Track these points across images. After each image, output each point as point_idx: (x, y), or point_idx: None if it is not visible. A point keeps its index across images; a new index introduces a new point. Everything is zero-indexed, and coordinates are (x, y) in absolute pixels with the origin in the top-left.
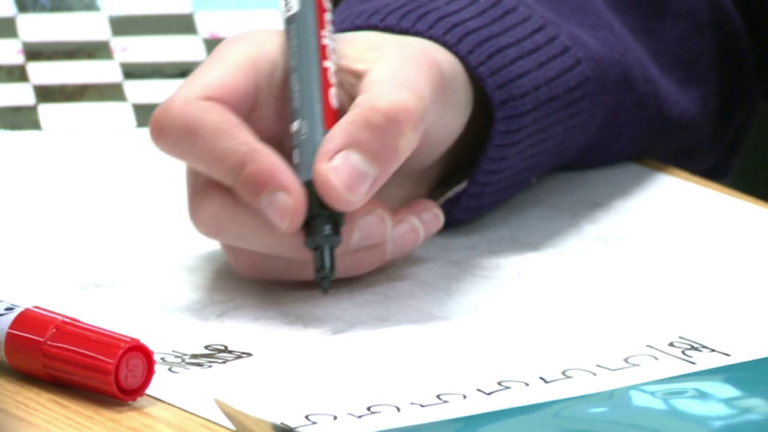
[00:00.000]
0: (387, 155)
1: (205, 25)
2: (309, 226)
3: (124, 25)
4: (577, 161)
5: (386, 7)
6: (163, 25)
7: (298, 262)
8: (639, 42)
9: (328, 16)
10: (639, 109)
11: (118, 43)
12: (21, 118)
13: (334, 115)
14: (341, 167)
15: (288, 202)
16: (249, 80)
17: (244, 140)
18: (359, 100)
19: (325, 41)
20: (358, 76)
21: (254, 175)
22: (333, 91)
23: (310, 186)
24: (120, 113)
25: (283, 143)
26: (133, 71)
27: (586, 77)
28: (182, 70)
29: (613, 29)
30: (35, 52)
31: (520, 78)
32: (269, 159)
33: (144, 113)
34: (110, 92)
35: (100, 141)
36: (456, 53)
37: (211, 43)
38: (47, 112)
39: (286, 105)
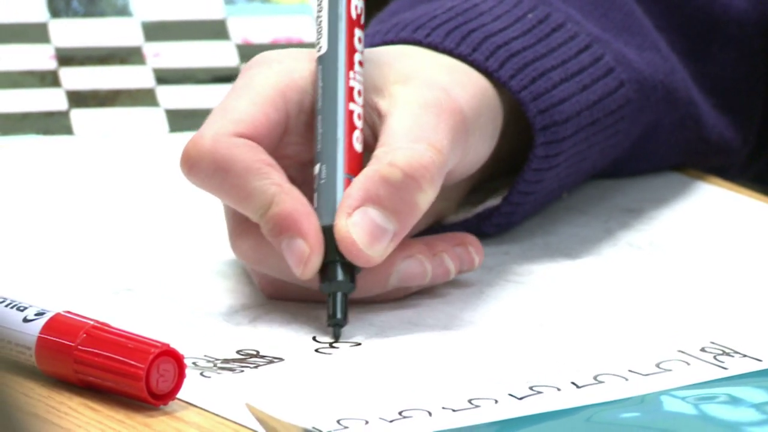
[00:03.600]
0: (406, 211)
1: (238, 31)
2: (324, 272)
3: (156, 31)
4: (609, 172)
5: (432, 20)
6: (196, 31)
7: (318, 290)
8: (683, 63)
9: (358, 57)
10: (678, 130)
11: (150, 49)
12: (53, 124)
13: (357, 159)
14: (361, 223)
15: (304, 250)
16: (279, 111)
17: (273, 180)
18: (377, 153)
19: (353, 83)
20: (380, 114)
21: (277, 218)
22: (357, 135)
23: (328, 231)
24: (152, 119)
25: (311, 166)
26: (165, 77)
27: (628, 100)
28: (214, 76)
29: (659, 50)
30: (68, 58)
31: (562, 103)
32: (294, 202)
33: (176, 119)
34: (143, 98)
35: (133, 146)
36: (497, 79)
37: (244, 49)
38: (80, 117)
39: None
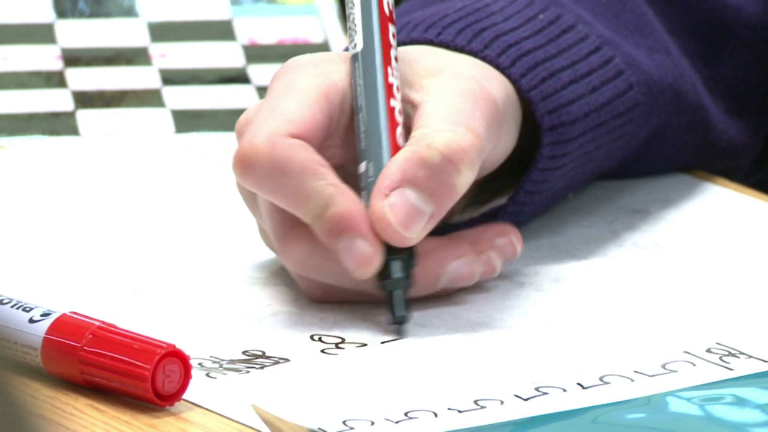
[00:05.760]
0: (443, 193)
1: (244, 32)
2: (381, 270)
3: (162, 31)
4: (615, 173)
5: (443, 19)
6: (202, 32)
7: (370, 291)
8: (694, 67)
9: (394, 53)
10: (686, 133)
11: (156, 49)
12: (60, 124)
13: None
14: (397, 204)
15: (366, 250)
16: (324, 113)
17: (330, 181)
18: (415, 134)
19: (392, 79)
20: (414, 105)
21: (336, 219)
22: (400, 130)
23: None
24: (158, 119)
25: (347, 169)
26: (171, 77)
27: (636, 102)
28: (221, 77)
29: (670, 53)
30: (74, 58)
31: (570, 104)
32: (352, 203)
33: (183, 119)
34: (149, 98)
35: (139, 147)
36: (509, 76)
37: (250, 50)
38: (86, 117)
39: (353, 133)
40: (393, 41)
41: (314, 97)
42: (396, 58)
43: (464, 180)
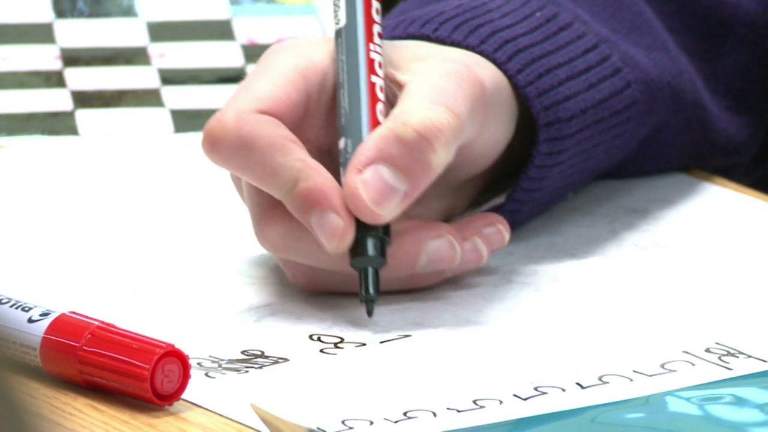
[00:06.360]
0: (418, 171)
1: (243, 31)
2: (354, 247)
3: (161, 31)
4: (615, 172)
5: (440, 15)
6: (201, 31)
7: (354, 277)
8: (694, 65)
9: (377, 29)
10: (684, 131)
11: (155, 49)
12: (59, 124)
13: None
14: (371, 181)
15: (337, 224)
16: (300, 92)
17: (298, 156)
18: (394, 112)
19: (373, 55)
20: (401, 86)
21: (306, 193)
22: (380, 107)
23: None
24: (157, 119)
25: (332, 152)
26: (170, 77)
27: (634, 100)
28: (220, 76)
29: (669, 51)
30: (73, 58)
31: (567, 100)
32: (322, 178)
33: (181, 119)
34: (148, 98)
35: (138, 147)
36: (505, 72)
37: (249, 50)
38: (85, 117)
39: (336, 113)
40: (377, 17)
41: (289, 77)
42: (379, 35)
43: (439, 159)
